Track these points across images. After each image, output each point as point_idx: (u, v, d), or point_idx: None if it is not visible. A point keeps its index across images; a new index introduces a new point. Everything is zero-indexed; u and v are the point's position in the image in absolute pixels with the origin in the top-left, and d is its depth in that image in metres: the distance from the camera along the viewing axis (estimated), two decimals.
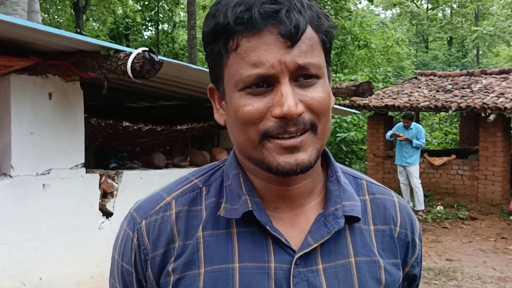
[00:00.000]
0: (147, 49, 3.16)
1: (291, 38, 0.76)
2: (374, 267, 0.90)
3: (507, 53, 24.55)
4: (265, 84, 0.78)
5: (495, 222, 9.58)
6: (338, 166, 0.96)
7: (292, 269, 0.83)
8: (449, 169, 11.26)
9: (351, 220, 0.89)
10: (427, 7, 28.68)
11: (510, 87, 10.62)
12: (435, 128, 18.99)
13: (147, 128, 4.73)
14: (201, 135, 5.39)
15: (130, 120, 4.62)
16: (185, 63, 3.71)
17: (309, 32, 0.79)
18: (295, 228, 0.88)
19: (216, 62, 0.83)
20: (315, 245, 0.85)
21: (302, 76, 0.79)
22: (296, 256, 0.84)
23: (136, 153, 5.05)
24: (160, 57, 3.22)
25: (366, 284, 0.88)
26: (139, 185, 4.40)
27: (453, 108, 10.43)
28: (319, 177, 0.92)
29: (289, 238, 0.85)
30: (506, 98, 9.99)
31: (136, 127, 4.66)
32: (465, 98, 10.63)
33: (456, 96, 10.89)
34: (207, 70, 3.63)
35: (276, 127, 0.78)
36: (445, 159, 11.23)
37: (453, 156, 11.23)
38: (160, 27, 25.02)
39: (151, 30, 25.73)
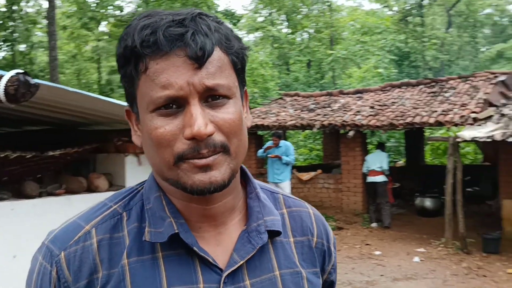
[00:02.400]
0: (22, 71, 2.98)
1: (198, 60, 0.77)
2: (297, 278, 0.93)
3: (358, 74, 26.75)
4: (175, 105, 0.79)
5: (359, 230, 10.35)
6: (256, 182, 0.99)
7: None
8: (316, 183, 11.95)
9: (272, 234, 0.92)
10: (287, 31, 30.33)
11: (365, 106, 11.64)
12: (300, 145, 20.03)
13: (15, 155, 4.41)
14: (75, 161, 5.15)
15: None
16: (62, 86, 3.55)
17: (217, 54, 0.80)
18: (220, 246, 0.89)
19: (129, 84, 0.84)
20: (241, 262, 0.86)
21: (211, 97, 0.80)
22: (224, 274, 0.85)
23: (4, 182, 4.66)
24: (35, 79, 3.06)
25: None
26: (11, 217, 4.07)
27: (317, 126, 11.15)
28: (239, 194, 0.94)
29: (215, 257, 0.86)
30: (362, 115, 10.93)
31: (2, 155, 4.33)
32: (327, 116, 11.42)
33: (319, 114, 11.66)
34: (85, 93, 3.50)
35: (189, 150, 0.79)
36: (312, 174, 11.92)
37: (319, 171, 11.96)
38: (16, 48, 23.34)
39: (6, 51, 23.89)
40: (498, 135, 8.05)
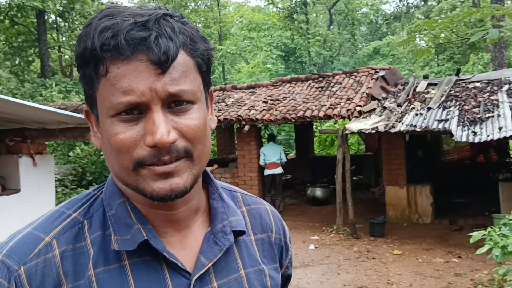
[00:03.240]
0: None
1: (161, 65, 0.74)
2: (261, 275, 0.95)
3: (247, 69, 27.25)
4: (136, 111, 0.76)
5: None
6: (218, 182, 0.99)
7: None
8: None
9: (236, 234, 0.92)
10: None
11: (258, 100, 11.91)
12: None
13: None
14: None
15: None
16: None
17: (182, 57, 0.78)
18: (186, 250, 0.88)
19: (89, 85, 0.80)
20: (209, 265, 0.86)
21: (174, 102, 0.77)
22: (193, 278, 0.84)
23: None
24: None
25: None
26: None
27: None
28: (201, 196, 0.93)
29: (183, 261, 0.85)
30: (256, 110, 11.18)
31: None
32: (222, 111, 11.52)
33: (214, 110, 11.71)
34: None
35: (149, 156, 0.76)
36: (209, 169, 11.96)
37: (216, 166, 12.03)
38: None
39: None
40: (381, 127, 8.69)
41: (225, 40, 29.32)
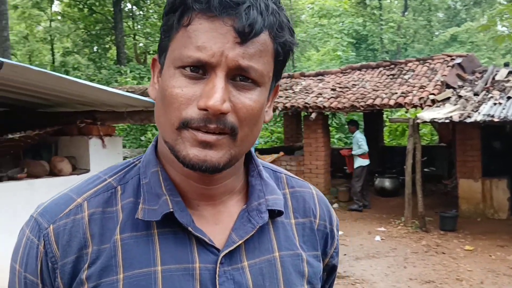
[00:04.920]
0: None
1: (242, 35, 0.73)
2: (297, 261, 0.90)
3: (317, 57, 26.93)
4: (201, 70, 0.75)
5: None
6: (260, 161, 0.95)
7: (217, 269, 0.81)
8: (278, 165, 11.95)
9: (273, 215, 0.88)
10: None
11: (326, 88, 11.72)
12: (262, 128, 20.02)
13: None
14: (37, 144, 4.96)
15: None
16: (28, 65, 3.39)
17: (264, 37, 0.76)
18: (219, 225, 0.86)
19: (167, 33, 0.80)
20: (239, 242, 0.83)
21: (240, 76, 0.76)
22: (221, 255, 0.82)
23: None
24: (1, 58, 2.90)
25: (290, 277, 0.88)
26: None
27: (280, 108, 11.16)
28: (240, 176, 0.90)
29: (213, 236, 0.83)
30: (323, 97, 11.01)
31: None
32: (289, 98, 11.44)
33: (281, 97, 11.66)
34: (50, 72, 3.37)
35: (197, 119, 0.75)
36: (275, 156, 11.97)
37: (282, 153, 12.02)
38: None
39: None
40: (455, 116, 8.27)
41: (295, 27, 29.10)
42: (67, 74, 21.29)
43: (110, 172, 0.88)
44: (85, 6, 23.43)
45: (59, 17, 25.53)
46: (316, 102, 10.82)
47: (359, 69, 12.54)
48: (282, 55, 0.80)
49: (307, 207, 0.97)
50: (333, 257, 1.01)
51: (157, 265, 0.80)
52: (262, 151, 12.88)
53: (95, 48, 26.32)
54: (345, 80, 12.01)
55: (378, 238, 8.27)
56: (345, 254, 7.36)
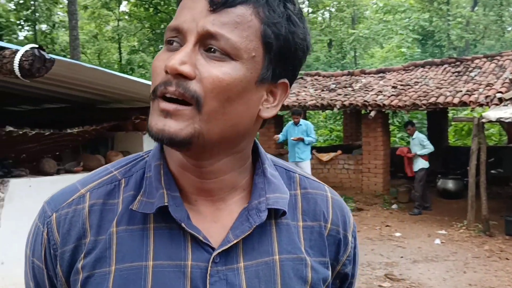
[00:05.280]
0: (36, 45, 2.94)
1: (212, 3, 0.72)
2: (300, 265, 0.85)
3: (380, 54, 26.33)
4: (178, 40, 0.75)
5: (379, 212, 10.26)
6: (270, 158, 0.92)
7: (209, 268, 0.78)
8: (336, 164, 11.85)
9: (277, 215, 0.84)
10: (308, 11, 29.95)
11: (387, 85, 11.43)
12: (320, 126, 19.88)
13: (33, 132, 4.41)
14: (94, 139, 5.14)
15: (14, 125, 4.28)
16: (78, 62, 3.52)
17: (243, 10, 0.73)
18: (217, 223, 0.83)
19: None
20: (234, 241, 0.80)
21: (211, 46, 0.73)
22: (214, 253, 0.79)
23: (23, 160, 4.69)
24: (50, 55, 3.01)
25: (289, 282, 0.84)
26: (29, 194, 4.09)
27: (338, 106, 11.00)
28: (244, 173, 0.86)
29: (210, 234, 0.80)
30: (384, 95, 10.74)
31: (21, 132, 4.33)
32: (348, 96, 11.26)
33: (340, 94, 11.50)
34: (102, 69, 3.47)
35: (161, 83, 0.73)
36: (332, 154, 11.81)
37: (339, 152, 11.84)
38: (37, 27, 23.52)
39: (27, 31, 24.10)
40: None
41: (358, 24, 28.60)
42: (132, 72, 22.02)
43: (118, 165, 0.88)
44: (151, 6, 24.08)
45: (126, 17, 26.39)
46: (375, 100, 10.57)
47: (423, 66, 12.14)
48: (273, 37, 0.76)
49: (318, 210, 0.91)
50: (346, 264, 0.95)
51: (149, 260, 0.79)
52: (319, 149, 12.75)
53: (159, 47, 27.02)
54: (407, 78, 11.66)
55: (438, 241, 7.97)
56: (401, 257, 7.15)
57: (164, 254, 0.79)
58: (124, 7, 26.73)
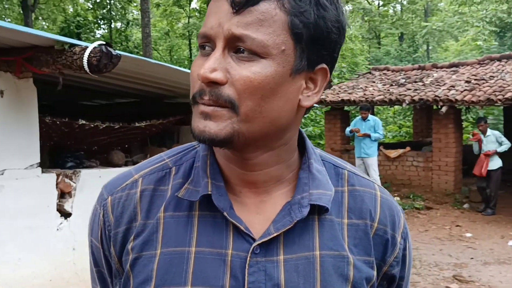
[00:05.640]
0: (104, 42, 3.08)
1: (234, 5, 0.73)
2: (342, 263, 0.84)
3: (455, 47, 25.31)
4: (210, 45, 0.77)
5: (450, 211, 9.89)
6: (319, 153, 0.92)
7: (248, 258, 0.80)
8: (404, 161, 11.53)
9: (321, 211, 0.84)
10: (379, 3, 29.28)
11: (460, 80, 10.97)
12: (389, 121, 19.41)
13: (104, 126, 4.62)
14: (161, 132, 5.32)
15: (86, 118, 4.51)
16: (142, 58, 3.65)
17: (266, 6, 0.73)
18: (261, 215, 0.84)
19: None
20: (275, 234, 0.81)
21: (240, 48, 0.74)
22: (254, 244, 0.80)
23: (94, 152, 4.92)
24: (117, 51, 3.14)
25: (329, 279, 0.83)
26: (98, 184, 4.27)
27: (407, 101, 10.69)
28: (291, 166, 0.87)
29: (252, 225, 0.82)
30: (456, 90, 10.31)
31: (92, 125, 4.55)
32: (417, 91, 10.91)
33: (409, 89, 11.16)
34: (165, 64, 3.58)
35: (198, 92, 0.76)
36: (400, 151, 11.50)
37: (408, 148, 11.51)
38: (113, 26, 24.54)
39: (103, 29, 25.20)
40: None
41: (432, 16, 27.60)
42: None
43: (171, 153, 0.93)
44: None
45: (197, 14, 26.95)
46: (447, 95, 10.17)
47: (499, 59, 11.56)
48: (304, 30, 0.75)
49: (364, 208, 0.90)
50: (393, 266, 0.92)
51: (192, 246, 0.82)
52: (387, 146, 12.44)
53: None
54: (482, 72, 11.14)
55: (511, 243, 7.58)
56: (472, 258, 6.87)
57: (207, 241, 0.82)
58: (194, 4, 27.29)
